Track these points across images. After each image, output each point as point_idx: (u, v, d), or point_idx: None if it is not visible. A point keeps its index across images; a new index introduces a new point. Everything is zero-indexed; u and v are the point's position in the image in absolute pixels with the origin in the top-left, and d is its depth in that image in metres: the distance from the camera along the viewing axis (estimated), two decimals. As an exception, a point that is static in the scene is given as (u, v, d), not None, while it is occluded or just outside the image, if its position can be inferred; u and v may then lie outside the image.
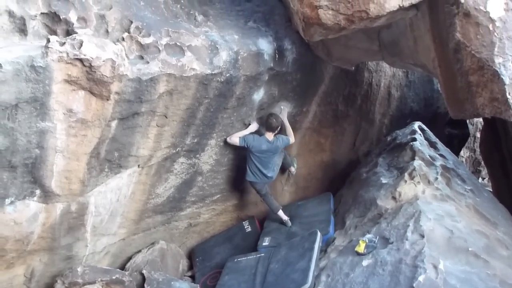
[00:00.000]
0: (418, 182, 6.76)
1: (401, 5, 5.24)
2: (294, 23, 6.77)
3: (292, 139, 7.90)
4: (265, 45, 6.78)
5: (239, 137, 7.35)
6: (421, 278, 5.11)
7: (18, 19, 4.82)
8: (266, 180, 7.90)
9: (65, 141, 5.30)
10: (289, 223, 8.14)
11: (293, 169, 8.93)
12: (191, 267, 8.50)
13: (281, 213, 8.18)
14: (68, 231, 6.32)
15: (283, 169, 8.79)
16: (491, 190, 10.04)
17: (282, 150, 8.05)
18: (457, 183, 7.11)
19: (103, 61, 4.94)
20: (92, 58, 4.86)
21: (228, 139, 7.34)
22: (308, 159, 9.37)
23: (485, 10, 4.99)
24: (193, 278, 8.21)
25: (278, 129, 7.59)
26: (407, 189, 6.76)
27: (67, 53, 4.75)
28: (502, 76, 4.97)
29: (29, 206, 5.67)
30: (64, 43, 4.78)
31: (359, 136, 9.94)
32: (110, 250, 7.34)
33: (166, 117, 6.16)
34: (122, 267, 7.57)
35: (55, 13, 4.91)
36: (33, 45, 4.80)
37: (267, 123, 7.47)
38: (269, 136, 7.55)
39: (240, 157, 7.84)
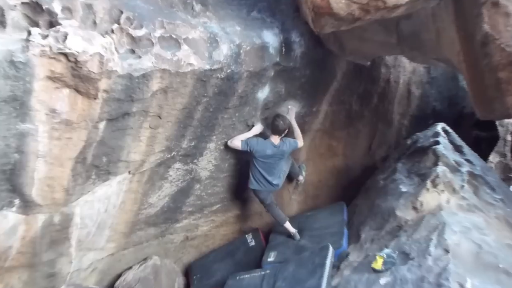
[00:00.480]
0: (442, 190, 6.76)
1: (422, -7, 5.26)
2: (302, 13, 6.78)
3: (300, 142, 7.90)
4: (271, 38, 6.80)
5: (241, 141, 7.35)
6: (445, 298, 5.12)
7: (-4, 10, 4.84)
8: (271, 188, 7.90)
9: (47, 144, 5.30)
10: (298, 236, 8.13)
11: (301, 178, 8.95)
12: (187, 285, 8.51)
13: (288, 225, 8.17)
14: (50, 245, 6.32)
15: (291, 178, 8.81)
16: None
17: (289, 157, 8.06)
18: (485, 191, 7.10)
19: (90, 55, 4.94)
20: (78, 53, 4.85)
21: (229, 143, 7.35)
22: (319, 164, 9.38)
23: (516, -1, 4.99)
24: (189, 297, 8.24)
25: (285, 131, 7.60)
26: (429, 198, 6.75)
27: (50, 47, 4.75)
28: (535, 72, 4.98)
29: (7, 218, 5.67)
30: (47, 35, 4.78)
31: (376, 139, 9.95)
32: (97, 267, 7.35)
33: (160, 117, 6.17)
34: (111, 286, 7.59)
35: (37, 2, 4.88)
36: (12, 38, 4.78)
37: (273, 125, 7.48)
38: (275, 139, 7.56)
39: (243, 162, 7.86)
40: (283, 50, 6.93)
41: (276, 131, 7.49)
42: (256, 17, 6.91)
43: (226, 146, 7.42)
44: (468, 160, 7.80)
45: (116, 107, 5.57)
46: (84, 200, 6.28)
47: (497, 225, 6.44)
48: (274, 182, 7.81)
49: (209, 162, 7.48)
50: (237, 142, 7.35)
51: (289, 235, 8.18)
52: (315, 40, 7.23)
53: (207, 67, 6.05)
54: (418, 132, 9.20)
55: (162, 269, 8.05)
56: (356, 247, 7.17)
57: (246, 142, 7.38)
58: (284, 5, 7.20)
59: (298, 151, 8.44)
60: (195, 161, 7.26)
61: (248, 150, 7.43)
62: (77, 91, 5.16)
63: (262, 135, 7.62)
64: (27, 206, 5.71)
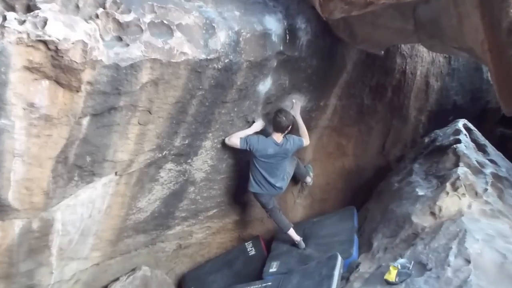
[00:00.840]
0: (463, 194, 6.75)
1: (442, -25, 5.23)
2: (309, -4, 6.77)
3: (306, 140, 7.87)
4: (273, 24, 6.78)
5: (240, 138, 7.33)
6: (466, 314, 5.11)
7: (-33, -8, 4.82)
8: (273, 191, 7.87)
9: (25, 142, 5.28)
10: (303, 245, 8.12)
11: (309, 179, 8.93)
12: (181, 298, 8.53)
13: (292, 232, 8.16)
14: (29, 254, 6.32)
15: (296, 180, 8.80)
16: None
17: (294, 156, 8.04)
18: (511, 195, 7.09)
19: (72, 43, 4.90)
20: (58, 40, 4.82)
21: (226, 140, 7.33)
22: (327, 165, 9.38)
23: (547, -19, 4.96)
24: (183, 312, 8.25)
25: (289, 128, 7.57)
26: (449, 202, 6.75)
27: (28, 34, 4.71)
28: None
29: (-20, 224, 5.69)
30: (24, 21, 4.75)
31: (390, 137, 9.95)
32: (80, 278, 7.35)
33: (150, 113, 6.16)
34: (96, 299, 7.60)
35: (13, -16, 4.90)
36: (-15, 24, 4.79)
37: (275, 121, 7.45)
38: (277, 137, 7.53)
39: (243, 163, 7.85)
40: (287, 37, 6.92)
41: (279, 128, 7.46)
42: (257, 1, 6.90)
43: (224, 144, 7.41)
44: (492, 161, 7.80)
45: (101, 101, 5.54)
46: (66, 204, 6.27)
47: (524, 233, 6.44)
48: (277, 184, 7.78)
49: (204, 162, 7.47)
50: (235, 140, 7.32)
51: (293, 244, 8.17)
52: (322, 26, 7.22)
53: (203, 56, 6.02)
54: (437, 129, 9.21)
55: (152, 280, 8.06)
56: (368, 256, 7.17)
57: (245, 139, 7.35)
58: (288, -13, 7.19)
59: (304, 150, 8.43)
60: (189, 161, 7.25)
61: (248, 149, 7.40)
62: (58, 83, 5.13)
63: (264, 132, 7.60)
64: (3, 211, 5.70)
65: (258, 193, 7.85)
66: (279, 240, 8.54)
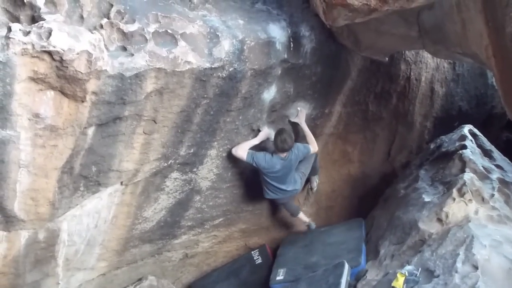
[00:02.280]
0: (470, 200, 6.73)
1: (445, -20, 5.24)
2: (313, 4, 6.78)
3: (313, 147, 7.86)
4: (277, 32, 6.79)
5: (247, 152, 7.33)
6: (475, 321, 5.10)
7: (-29, 4, 4.84)
8: (289, 194, 7.99)
9: (30, 153, 5.31)
10: (313, 225, 8.45)
11: (315, 184, 8.93)
12: (187, 308, 8.53)
13: (302, 215, 8.42)
14: (35, 265, 6.33)
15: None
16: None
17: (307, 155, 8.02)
18: (518, 201, 7.09)
19: (77, 53, 4.93)
20: (63, 51, 4.84)
21: (233, 151, 7.33)
22: (332, 172, 9.37)
23: (550, -15, 4.97)
24: (190, 321, 8.24)
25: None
26: (456, 208, 6.73)
27: (33, 45, 4.74)
28: None
29: (-14, 235, 5.70)
30: (29, 32, 4.77)
31: (395, 144, 9.94)
32: (87, 288, 7.36)
33: (155, 122, 6.17)
34: (102, 309, 7.60)
35: (17, -5, 4.92)
36: (-10, 35, 4.81)
37: (279, 145, 7.44)
38: (282, 154, 7.53)
39: (248, 172, 7.86)
40: (291, 45, 6.92)
41: (284, 150, 7.50)
42: (261, 9, 6.91)
43: (229, 153, 7.40)
44: (498, 166, 7.78)
45: (106, 111, 5.56)
46: (72, 214, 6.28)
47: (532, 239, 6.43)
48: (289, 189, 7.86)
49: (210, 171, 7.47)
50: (242, 153, 7.33)
51: (305, 227, 8.55)
52: (326, 34, 7.23)
53: (207, 65, 6.04)
54: (443, 135, 9.19)
55: (159, 290, 8.06)
56: (375, 264, 7.16)
57: (252, 156, 7.37)
58: (292, -5, 7.21)
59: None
60: (195, 170, 7.26)
61: (254, 165, 7.43)
62: (63, 93, 5.16)
63: (269, 144, 7.59)
64: (9, 221, 5.71)
65: (275, 199, 7.94)
66: (285, 245, 8.53)
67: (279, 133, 7.47)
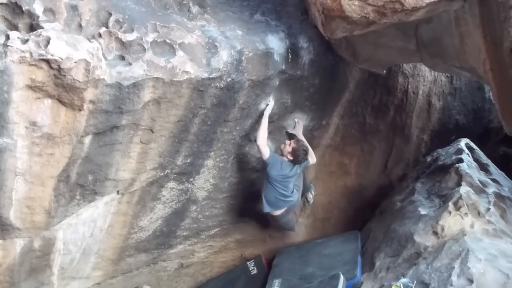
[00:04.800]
0: (466, 213, 6.73)
1: (444, -6, 5.24)
2: (311, 16, 6.78)
3: (312, 159, 7.88)
4: (276, 43, 6.79)
5: (270, 152, 7.26)
6: (469, 335, 5.09)
7: (-30, 11, 4.83)
8: (288, 205, 7.82)
9: (27, 161, 5.29)
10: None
11: (310, 196, 8.91)
12: (182, 318, 8.50)
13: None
14: (30, 273, 6.31)
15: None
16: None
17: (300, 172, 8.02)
18: (514, 215, 7.09)
19: (75, 62, 4.92)
20: (61, 59, 4.83)
21: (260, 144, 7.14)
22: (329, 184, 9.37)
23: (548, 1, 4.97)
24: (185, 332, 8.22)
25: None
26: (451, 222, 6.73)
27: (31, 53, 4.73)
28: None
29: (-19, 243, 5.68)
30: (27, 40, 4.77)
31: (392, 156, 9.94)
32: (82, 297, 7.33)
33: (152, 131, 6.16)
34: (97, 319, 7.57)
35: (16, 3, 4.87)
36: (-12, 43, 4.80)
37: (299, 156, 7.42)
38: (289, 160, 7.48)
39: (245, 182, 7.84)
40: (290, 56, 6.92)
41: (299, 162, 7.50)
42: (260, 20, 6.91)
43: (226, 162, 7.38)
44: (494, 180, 7.79)
45: (104, 120, 5.55)
46: (68, 223, 6.26)
47: (527, 253, 6.42)
48: (289, 198, 7.71)
49: (206, 181, 7.46)
50: (265, 151, 7.19)
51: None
52: (325, 46, 7.23)
53: (205, 75, 6.03)
54: (439, 148, 9.20)
55: (154, 300, 8.05)
56: (370, 276, 7.15)
57: (272, 157, 7.27)
58: (291, 7, 7.21)
59: (306, 169, 8.42)
60: (191, 180, 7.25)
61: (267, 164, 7.31)
62: (60, 101, 5.15)
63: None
64: (4, 229, 5.69)
65: (273, 212, 7.84)
66: (281, 256, 8.52)
67: (302, 145, 7.47)
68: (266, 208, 7.70)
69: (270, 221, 8.20)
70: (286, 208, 7.86)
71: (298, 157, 7.42)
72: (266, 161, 7.28)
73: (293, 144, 7.41)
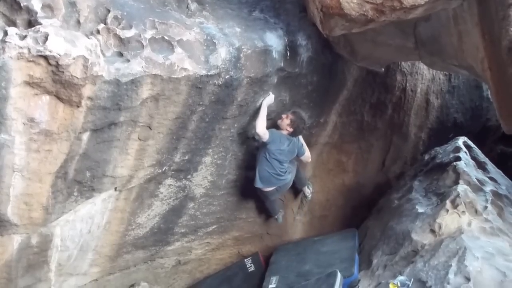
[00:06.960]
0: (463, 211, 6.73)
1: (442, -7, 5.24)
2: (310, 13, 6.77)
3: (307, 154, 7.88)
4: (274, 41, 6.79)
5: (269, 132, 7.25)
6: (466, 332, 5.09)
7: (-32, 7, 4.82)
8: (280, 183, 7.84)
9: (25, 157, 5.28)
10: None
11: (308, 191, 8.90)
12: (179, 315, 8.49)
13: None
14: (27, 269, 6.29)
15: (295, 193, 8.78)
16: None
17: (294, 161, 7.98)
18: (511, 213, 7.07)
19: (73, 58, 4.91)
20: (59, 55, 4.83)
21: (259, 131, 7.10)
22: (326, 182, 9.36)
23: (546, 0, 4.97)
24: (182, 329, 8.21)
25: None
26: (449, 220, 6.72)
27: (29, 49, 4.72)
28: None
29: (-22, 239, 5.67)
30: (25, 36, 4.76)
31: (390, 154, 9.93)
32: (79, 294, 7.32)
33: (150, 128, 6.16)
34: (94, 315, 7.56)
35: (14, -1, 4.90)
36: (-14, 39, 4.79)
37: (301, 128, 7.51)
38: (287, 133, 7.46)
39: (242, 179, 7.83)
40: (288, 54, 6.92)
41: (298, 133, 7.56)
42: (258, 17, 6.90)
43: (224, 160, 7.38)
44: (492, 178, 7.78)
45: (102, 116, 5.54)
46: (65, 219, 6.25)
47: (524, 251, 6.42)
48: (283, 177, 7.75)
49: (204, 178, 7.45)
50: (265, 134, 7.17)
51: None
52: (323, 43, 7.22)
53: (203, 72, 6.03)
54: (437, 146, 9.19)
55: (151, 296, 8.04)
56: (367, 273, 7.14)
57: (270, 134, 7.26)
58: (289, 4, 7.20)
59: (304, 166, 8.41)
60: (189, 177, 7.24)
61: (268, 143, 7.34)
62: (58, 98, 5.13)
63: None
64: (2, 226, 5.68)
65: (264, 188, 7.83)
66: (278, 253, 8.51)
67: (301, 115, 7.51)
68: (258, 184, 7.69)
69: (259, 195, 8.15)
70: (276, 186, 7.86)
71: (298, 127, 7.46)
72: (267, 141, 7.28)
73: (290, 116, 7.42)
